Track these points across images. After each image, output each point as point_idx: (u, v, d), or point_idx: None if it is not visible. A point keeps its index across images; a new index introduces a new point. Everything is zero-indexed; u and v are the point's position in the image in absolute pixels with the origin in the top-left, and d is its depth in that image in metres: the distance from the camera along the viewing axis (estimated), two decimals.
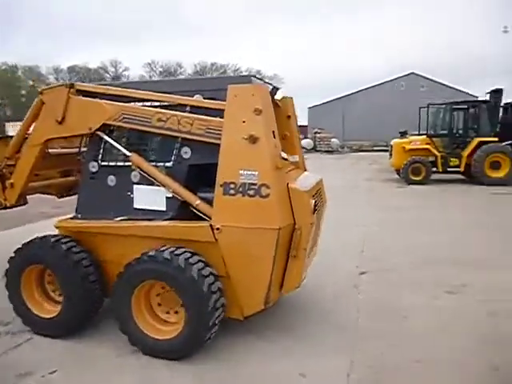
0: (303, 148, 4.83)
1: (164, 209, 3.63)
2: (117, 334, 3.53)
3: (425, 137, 15.88)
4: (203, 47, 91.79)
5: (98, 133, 3.75)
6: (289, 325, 4.00)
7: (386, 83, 43.09)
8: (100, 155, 3.85)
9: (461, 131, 15.78)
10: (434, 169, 15.38)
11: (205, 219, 3.42)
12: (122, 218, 3.68)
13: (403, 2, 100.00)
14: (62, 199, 4.81)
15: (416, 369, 3.29)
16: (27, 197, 4.48)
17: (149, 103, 3.64)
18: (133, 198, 3.72)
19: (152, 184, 3.61)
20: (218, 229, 3.28)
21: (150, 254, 3.30)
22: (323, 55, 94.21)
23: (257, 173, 3.18)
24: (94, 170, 3.87)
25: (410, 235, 7.63)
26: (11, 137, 4.29)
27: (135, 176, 3.69)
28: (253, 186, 3.19)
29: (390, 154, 16.99)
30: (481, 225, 8.43)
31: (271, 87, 3.67)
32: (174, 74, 56.25)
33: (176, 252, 3.26)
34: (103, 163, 3.84)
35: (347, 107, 41.57)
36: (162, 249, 3.32)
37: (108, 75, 54.07)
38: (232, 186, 3.24)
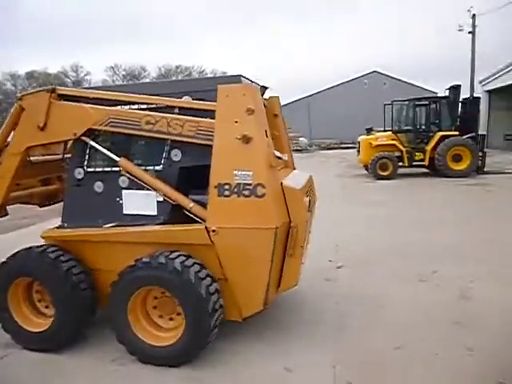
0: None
1: (155, 213, 3.56)
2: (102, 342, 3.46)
3: (390, 133, 16.33)
4: (166, 50, 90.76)
5: (83, 138, 3.63)
6: (268, 318, 4.03)
7: (349, 82, 43.88)
8: (85, 161, 3.73)
9: (423, 126, 16.33)
10: (401, 163, 15.85)
11: (198, 222, 3.38)
12: (111, 224, 3.58)
13: (364, 4, 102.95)
14: (41, 208, 4.62)
15: (397, 355, 3.41)
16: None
17: (135, 106, 3.55)
18: (122, 203, 3.63)
19: (142, 188, 3.54)
20: (213, 231, 3.24)
21: (145, 260, 3.24)
22: (286, 55, 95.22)
23: (251, 173, 3.17)
24: (79, 176, 3.74)
25: (383, 228, 7.87)
26: None
27: (124, 181, 3.60)
28: (248, 186, 3.17)
29: (358, 151, 17.35)
30: (446, 217, 8.76)
31: (260, 86, 3.68)
32: (138, 77, 55.19)
33: (171, 256, 3.21)
34: (89, 169, 3.72)
35: (313, 106, 42.04)
36: (156, 254, 3.25)
37: (69, 80, 52.40)
38: (227, 186, 3.22)
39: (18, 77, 53.66)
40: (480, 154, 15.31)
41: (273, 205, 3.18)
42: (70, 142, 4.07)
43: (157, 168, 3.55)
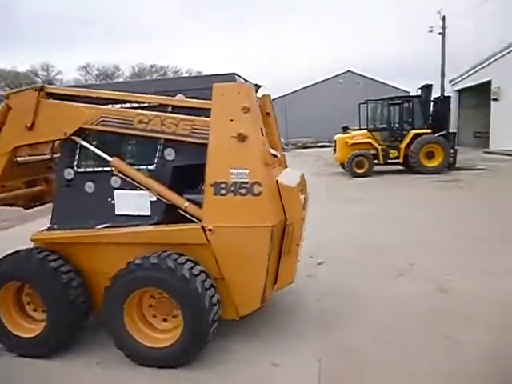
0: None
1: (149, 213, 3.51)
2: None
3: (365, 131, 16.61)
4: (138, 51, 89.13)
5: (74, 138, 3.54)
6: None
7: (325, 81, 44.41)
8: (75, 161, 3.63)
9: (397, 125, 16.67)
10: (376, 161, 16.15)
11: (192, 221, 3.36)
12: (104, 225, 3.51)
13: (338, 5, 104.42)
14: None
15: (382, 349, 3.49)
16: None
17: (127, 105, 3.50)
18: (114, 204, 3.56)
19: (135, 188, 3.48)
20: (210, 230, 3.23)
21: (139, 261, 3.19)
22: (262, 55, 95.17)
23: (248, 171, 3.17)
24: (69, 177, 3.65)
25: (362, 224, 8.03)
26: None
27: (116, 181, 3.54)
28: (244, 185, 3.17)
29: (334, 149, 17.56)
30: (422, 213, 8.99)
31: (253, 85, 3.68)
32: (112, 76, 54.01)
33: (162, 255, 3.18)
34: (79, 170, 3.63)
35: (289, 106, 42.32)
36: (150, 255, 3.21)
37: (39, 79, 50.77)
38: (223, 185, 3.20)
39: None
40: (451, 151, 15.82)
41: (269, 203, 3.19)
42: (58, 142, 3.95)
43: (150, 167, 3.50)
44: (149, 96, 3.45)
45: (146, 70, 54.98)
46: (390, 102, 16.75)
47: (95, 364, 3.38)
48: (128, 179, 3.46)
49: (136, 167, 3.48)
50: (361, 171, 15.78)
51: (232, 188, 3.19)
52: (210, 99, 3.27)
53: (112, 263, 3.34)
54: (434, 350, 3.41)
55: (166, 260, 3.13)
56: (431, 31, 30.50)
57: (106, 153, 3.51)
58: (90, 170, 3.61)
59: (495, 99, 25.15)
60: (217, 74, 3.40)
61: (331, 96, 41.59)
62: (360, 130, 17.10)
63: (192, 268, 3.16)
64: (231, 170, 3.19)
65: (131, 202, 3.52)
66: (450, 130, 16.55)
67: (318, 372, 3.17)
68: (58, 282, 3.32)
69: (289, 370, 3.23)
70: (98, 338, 3.66)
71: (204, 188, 3.29)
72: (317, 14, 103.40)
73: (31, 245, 3.66)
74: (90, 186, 3.61)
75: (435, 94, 17.95)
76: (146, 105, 3.48)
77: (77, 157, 3.63)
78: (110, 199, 3.57)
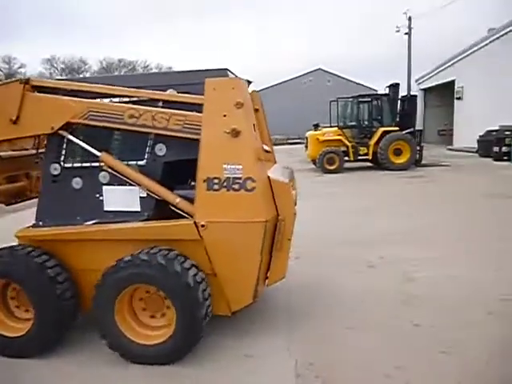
0: None
1: (138, 209, 3.46)
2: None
3: (336, 128, 16.91)
4: (103, 45, 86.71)
5: (61, 132, 3.44)
6: None
7: (295, 79, 44.73)
8: (62, 156, 3.53)
9: (367, 122, 17.08)
10: (346, 158, 16.47)
11: (183, 217, 3.34)
12: (92, 222, 3.44)
13: (312, 4, 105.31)
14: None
15: (349, 335, 3.62)
16: None
17: (116, 99, 3.43)
18: (102, 200, 3.49)
19: (124, 184, 3.42)
20: (202, 226, 3.21)
21: (129, 258, 3.14)
22: (230, 52, 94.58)
23: (241, 166, 3.17)
24: (55, 172, 3.54)
25: (333, 218, 8.25)
26: None
27: (104, 177, 3.46)
28: (237, 180, 3.17)
29: (306, 146, 17.79)
30: (393, 206, 9.37)
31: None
32: (78, 70, 52.38)
33: (152, 251, 3.14)
34: (66, 165, 3.53)
35: None
36: (141, 252, 3.17)
37: (0, 73, 48.61)
38: (216, 180, 3.19)
39: None
40: (418, 148, 16.36)
41: (262, 198, 3.20)
42: (43, 136, 3.83)
43: (140, 163, 3.44)
44: (139, 90, 3.39)
45: (114, 65, 53.68)
46: (360, 99, 17.14)
47: (87, 363, 3.32)
48: (117, 174, 3.40)
49: (125, 162, 3.42)
50: (332, 167, 16.05)
51: (225, 183, 3.18)
52: (202, 94, 3.25)
53: (101, 260, 3.28)
54: (400, 334, 3.60)
55: (156, 256, 3.09)
56: (398, 31, 31.33)
57: (94, 148, 3.43)
58: (78, 165, 3.51)
59: (459, 98, 26.14)
60: (209, 70, 3.38)
61: (301, 93, 41.98)
62: (331, 127, 17.39)
63: (183, 262, 3.14)
64: (224, 166, 3.18)
65: (120, 198, 3.46)
66: (417, 128, 17.09)
67: (294, 363, 3.22)
68: (44, 277, 3.23)
69: (261, 359, 3.30)
70: (88, 336, 3.59)
71: (195, 183, 3.27)
72: (291, 12, 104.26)
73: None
74: (77, 182, 3.52)
75: (402, 92, 18.51)
76: (135, 99, 3.41)
77: (64, 152, 3.53)
78: (98, 195, 3.49)
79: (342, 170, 16.16)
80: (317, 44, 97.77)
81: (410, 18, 30.58)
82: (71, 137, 3.45)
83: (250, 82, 3.84)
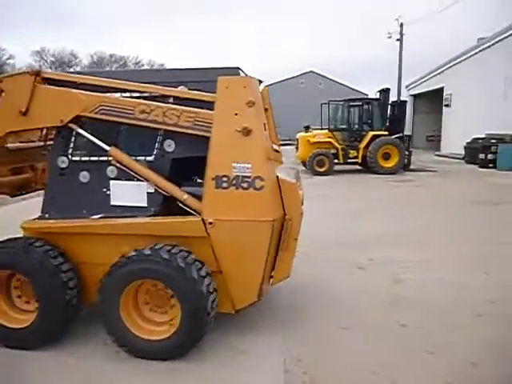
0: None
1: (145, 205, 3.46)
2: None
3: (327, 131, 17.03)
4: (97, 41, 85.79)
5: (71, 125, 3.41)
6: None
7: (287, 80, 44.88)
8: (70, 149, 3.50)
9: (357, 126, 17.24)
10: (336, 160, 16.60)
11: (190, 214, 3.34)
12: (98, 216, 3.42)
13: (308, 6, 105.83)
14: None
15: (341, 334, 3.70)
16: None
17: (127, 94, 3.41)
18: (109, 194, 3.48)
19: (131, 179, 3.42)
20: (210, 223, 3.23)
21: (131, 254, 3.15)
22: (230, 52, 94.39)
23: (250, 165, 3.19)
24: (63, 165, 3.51)
25: (327, 220, 8.29)
26: None
27: (112, 171, 3.45)
28: (246, 179, 3.19)
29: (297, 148, 17.87)
30: (382, 209, 9.55)
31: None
32: (69, 64, 51.56)
33: (156, 247, 3.16)
34: (74, 158, 3.51)
35: None
36: (144, 247, 3.17)
37: None
38: (225, 179, 3.21)
39: None
40: (406, 153, 16.59)
41: (270, 197, 3.23)
42: (51, 129, 3.80)
43: (148, 158, 3.44)
44: (150, 86, 3.38)
45: (105, 60, 53.02)
46: (351, 103, 17.28)
47: (92, 356, 3.33)
48: (125, 169, 3.39)
49: (134, 158, 3.41)
50: (322, 170, 16.15)
51: (234, 182, 3.20)
52: (212, 92, 3.27)
53: (106, 254, 3.28)
54: (388, 335, 3.69)
55: (159, 251, 3.10)
56: (390, 37, 31.72)
57: (103, 142, 3.41)
58: (86, 158, 3.49)
59: (447, 105, 26.58)
60: (221, 68, 3.39)
61: (292, 95, 42.15)
62: (321, 129, 17.51)
63: (186, 257, 3.14)
64: (234, 164, 3.20)
65: (127, 193, 3.45)
66: (406, 133, 17.33)
67: (282, 360, 3.29)
68: (51, 268, 3.22)
69: (254, 357, 3.34)
70: (92, 329, 3.59)
71: (204, 181, 3.28)
72: (291, 13, 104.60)
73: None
74: (84, 176, 3.50)
75: (393, 97, 18.75)
76: (146, 95, 3.41)
77: (72, 145, 3.50)
78: (105, 189, 3.48)
79: (332, 172, 16.29)
80: (314, 45, 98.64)
81: (401, 25, 31.01)
82: (80, 130, 3.43)
83: (260, 82, 3.86)
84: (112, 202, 3.48)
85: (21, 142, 4.01)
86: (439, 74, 28.09)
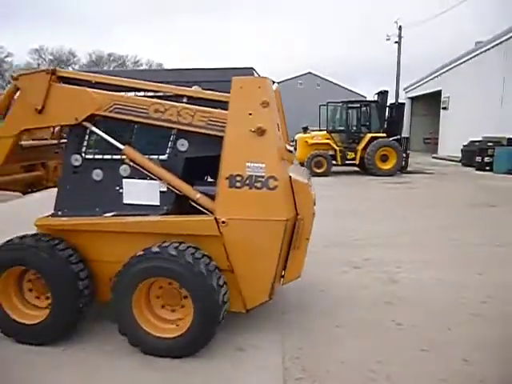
0: None
1: (158, 203, 3.47)
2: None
3: (325, 132, 17.12)
4: (92, 38, 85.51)
5: (85, 123, 3.42)
6: None
7: (285, 81, 44.98)
8: (84, 147, 3.51)
9: (355, 127, 17.34)
10: (334, 162, 16.68)
11: (202, 213, 3.36)
12: (111, 214, 3.43)
13: (307, 7, 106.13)
14: None
15: (338, 332, 3.75)
16: None
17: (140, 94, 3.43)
18: (122, 192, 3.49)
19: (144, 178, 3.43)
20: (223, 222, 3.25)
21: (153, 250, 3.16)
22: (225, 52, 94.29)
23: (264, 165, 3.21)
24: (76, 163, 3.52)
25: (324, 220, 8.23)
26: None
27: (125, 170, 3.46)
28: (260, 179, 3.20)
29: (295, 148, 17.90)
30: (380, 210, 9.66)
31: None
32: (67, 62, 51.34)
33: (164, 245, 3.18)
34: (87, 156, 3.52)
35: None
36: (163, 244, 3.19)
37: None
38: (238, 178, 3.22)
39: None
40: (404, 155, 16.68)
41: (283, 197, 3.25)
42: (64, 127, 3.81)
43: (161, 157, 3.45)
44: (165, 85, 3.40)
45: (103, 59, 52.85)
46: (350, 105, 17.37)
47: (101, 350, 3.35)
48: (139, 168, 3.40)
49: (147, 156, 3.43)
50: (320, 171, 16.21)
51: (247, 181, 3.22)
52: (225, 92, 3.29)
53: (119, 252, 3.29)
54: (384, 333, 3.74)
55: (167, 249, 3.11)
56: (388, 39, 31.86)
57: (116, 140, 3.43)
58: (99, 157, 3.50)
59: (444, 108, 26.78)
60: (235, 68, 3.41)
61: (291, 97, 42.22)
62: (320, 130, 17.59)
63: (194, 253, 3.15)
64: (247, 164, 3.21)
65: (140, 192, 3.46)
66: (403, 135, 17.45)
67: (281, 352, 3.36)
68: (64, 265, 3.24)
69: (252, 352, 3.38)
70: (104, 324, 3.62)
71: (218, 180, 3.30)
72: (291, 13, 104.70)
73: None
74: (97, 174, 3.51)
75: (390, 100, 18.85)
76: (160, 94, 3.42)
77: (85, 143, 3.51)
78: (118, 187, 3.49)
79: (330, 173, 16.35)
80: (313, 46, 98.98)
81: (400, 28, 31.16)
82: (94, 128, 3.44)
83: (273, 82, 3.88)
84: (125, 201, 3.49)
85: (33, 140, 4.01)
86: (437, 76, 28.32)
